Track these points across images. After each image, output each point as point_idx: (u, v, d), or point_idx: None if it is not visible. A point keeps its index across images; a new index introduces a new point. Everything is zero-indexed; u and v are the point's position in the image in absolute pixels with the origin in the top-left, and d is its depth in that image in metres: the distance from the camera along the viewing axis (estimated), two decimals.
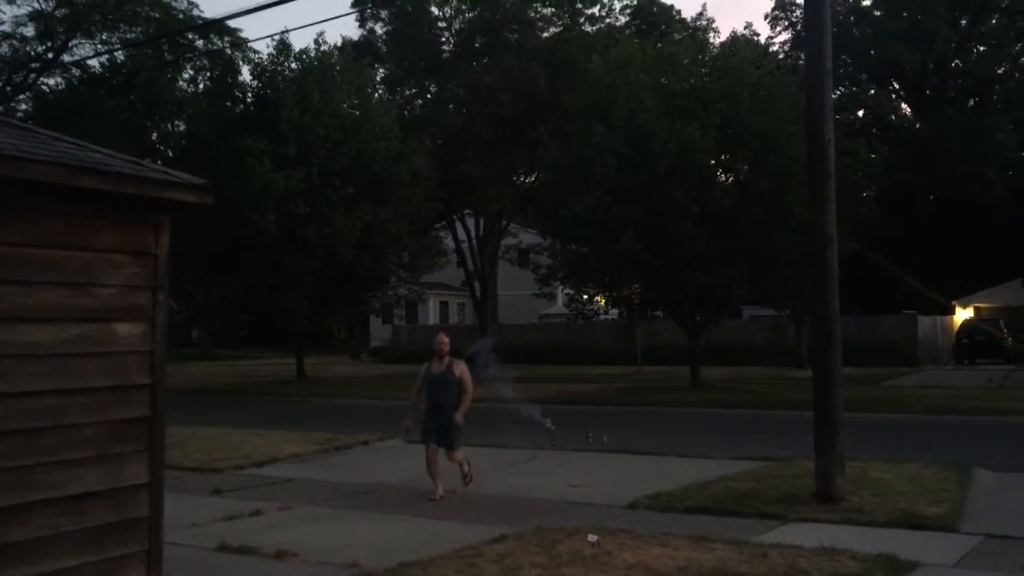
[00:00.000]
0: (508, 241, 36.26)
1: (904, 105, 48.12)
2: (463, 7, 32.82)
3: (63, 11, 28.43)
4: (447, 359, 9.63)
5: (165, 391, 5.05)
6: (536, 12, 32.90)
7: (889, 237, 35.25)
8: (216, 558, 7.07)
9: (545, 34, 33.44)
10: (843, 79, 46.25)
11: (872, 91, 46.34)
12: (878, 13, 44.10)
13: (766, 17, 48.81)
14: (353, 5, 34.12)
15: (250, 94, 27.91)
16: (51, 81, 31.19)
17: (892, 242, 36.50)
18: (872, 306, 36.89)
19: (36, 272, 4.43)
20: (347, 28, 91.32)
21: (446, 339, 9.70)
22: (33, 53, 29.13)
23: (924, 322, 34.58)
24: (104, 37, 29.77)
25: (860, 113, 45.13)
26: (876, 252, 33.51)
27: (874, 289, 38.52)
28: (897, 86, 47.57)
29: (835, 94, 43.90)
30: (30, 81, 30.05)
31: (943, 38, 41.50)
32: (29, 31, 28.45)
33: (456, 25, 33.51)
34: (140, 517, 4.88)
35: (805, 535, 7.38)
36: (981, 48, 44.78)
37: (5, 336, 4.26)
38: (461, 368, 9.61)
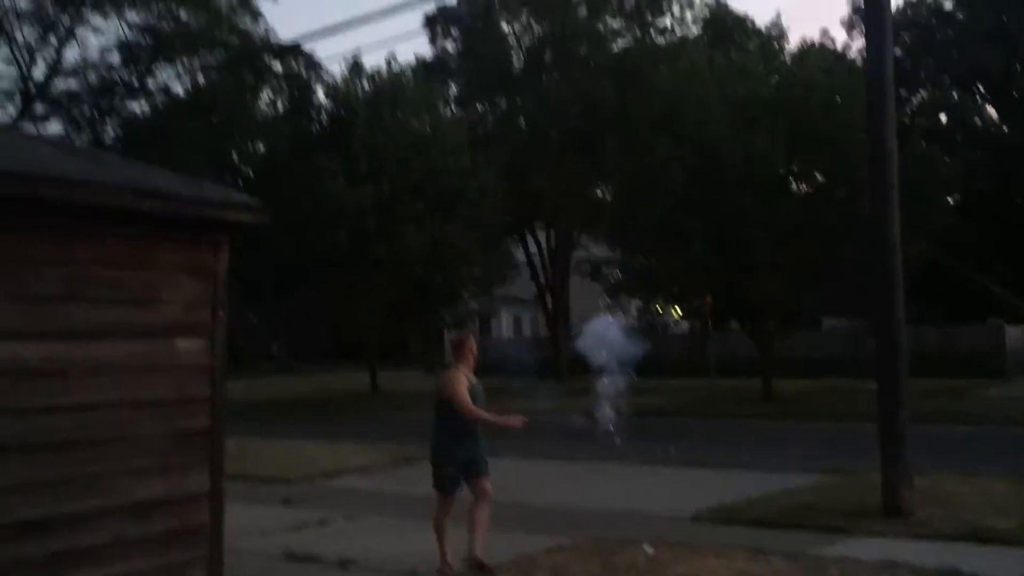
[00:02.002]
0: (579, 253, 36.30)
1: (989, 108, 46.63)
2: (532, 23, 33.11)
3: (147, 42, 29.68)
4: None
5: (225, 404, 5.29)
6: (605, 25, 32.95)
7: (975, 244, 34.15)
8: (282, 565, 7.31)
9: (614, 44, 33.45)
10: (924, 82, 45.07)
11: (955, 94, 45.05)
12: (960, 16, 42.88)
13: (842, 22, 47.85)
14: (425, 24, 34.75)
15: (324, 114, 28.63)
16: (136, 106, 32.46)
17: (978, 249, 35.34)
18: (958, 315, 35.73)
19: (102, 290, 4.71)
20: (420, 46, 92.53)
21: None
22: (119, 80, 30.39)
23: (1013, 332, 33.39)
24: (185, 61, 30.89)
25: (943, 117, 43.89)
26: (961, 259, 32.47)
27: (959, 298, 37.31)
28: (982, 88, 46.15)
29: (916, 95, 43.07)
30: (116, 107, 31.33)
31: None
32: (115, 57, 29.77)
33: (526, 42, 33.78)
34: (202, 524, 5.12)
35: (868, 549, 7.27)
36: None
37: (73, 351, 4.53)
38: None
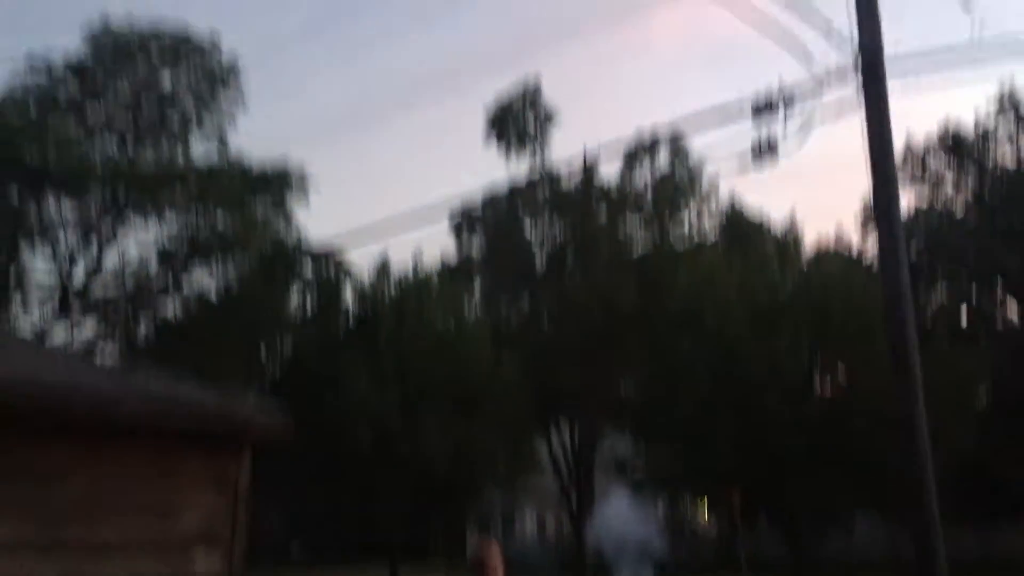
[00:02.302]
0: (604, 449, 35.79)
1: (1010, 299, 46.68)
2: (555, 225, 34.29)
3: (184, 247, 30.89)
4: None
5: None
6: (625, 226, 33.96)
7: (1010, 439, 33.44)
8: None
9: (634, 246, 34.30)
10: (941, 278, 45.45)
11: (974, 287, 45.35)
12: (972, 221, 43.81)
13: (855, 217, 48.91)
14: (451, 229, 36.08)
15: (351, 315, 29.27)
16: (169, 304, 33.19)
17: (1014, 444, 34.57)
18: (996, 512, 34.49)
19: (124, 502, 4.71)
20: (445, 241, 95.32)
21: None
22: (155, 282, 31.29)
23: None
24: (219, 263, 31.84)
25: (964, 315, 43.99)
26: (997, 455, 31.69)
27: (996, 495, 36.16)
28: (1001, 285, 46.44)
29: (934, 291, 43.42)
30: (150, 306, 32.07)
31: None
32: (151, 260, 30.80)
33: (547, 244, 34.81)
34: None
35: None
36: None
37: (89, 566, 4.48)
38: None
